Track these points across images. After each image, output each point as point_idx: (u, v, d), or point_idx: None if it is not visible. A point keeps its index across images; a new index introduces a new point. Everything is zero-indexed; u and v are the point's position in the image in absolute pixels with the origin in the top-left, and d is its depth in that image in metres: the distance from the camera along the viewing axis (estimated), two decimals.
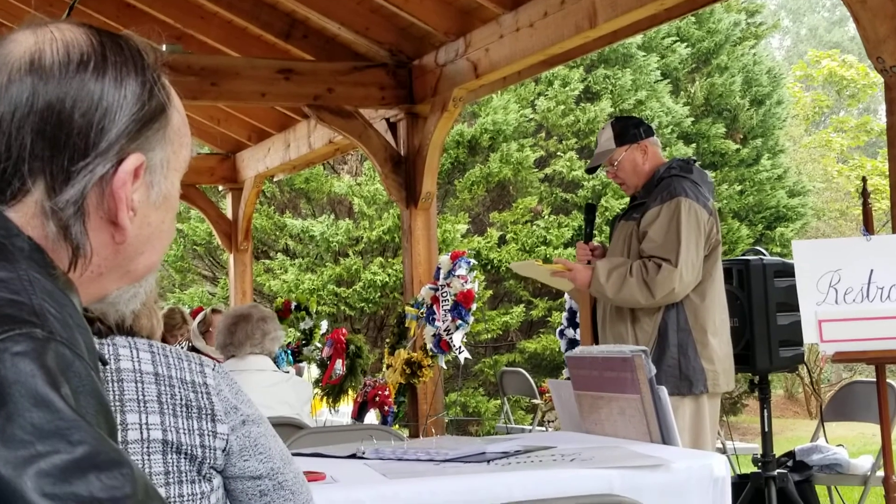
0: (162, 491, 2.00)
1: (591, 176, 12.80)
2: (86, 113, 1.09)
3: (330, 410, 7.64)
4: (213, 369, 2.12)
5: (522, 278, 12.22)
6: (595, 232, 4.70)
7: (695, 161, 4.46)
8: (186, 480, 2.03)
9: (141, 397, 2.03)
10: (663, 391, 3.12)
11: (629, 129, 4.41)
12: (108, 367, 2.04)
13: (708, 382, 4.12)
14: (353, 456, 2.99)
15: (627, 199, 4.58)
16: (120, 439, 2.00)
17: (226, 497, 2.13)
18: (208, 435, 2.05)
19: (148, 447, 2.00)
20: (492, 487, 2.50)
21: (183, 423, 2.03)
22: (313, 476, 2.57)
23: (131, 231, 1.14)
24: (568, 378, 3.69)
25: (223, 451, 2.06)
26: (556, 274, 4.43)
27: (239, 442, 2.08)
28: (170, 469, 2.01)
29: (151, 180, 1.16)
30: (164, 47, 7.09)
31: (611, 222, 4.68)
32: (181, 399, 2.04)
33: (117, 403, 2.01)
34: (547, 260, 11.60)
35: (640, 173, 4.37)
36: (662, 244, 4.12)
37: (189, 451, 2.02)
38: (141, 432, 2.00)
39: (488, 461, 2.78)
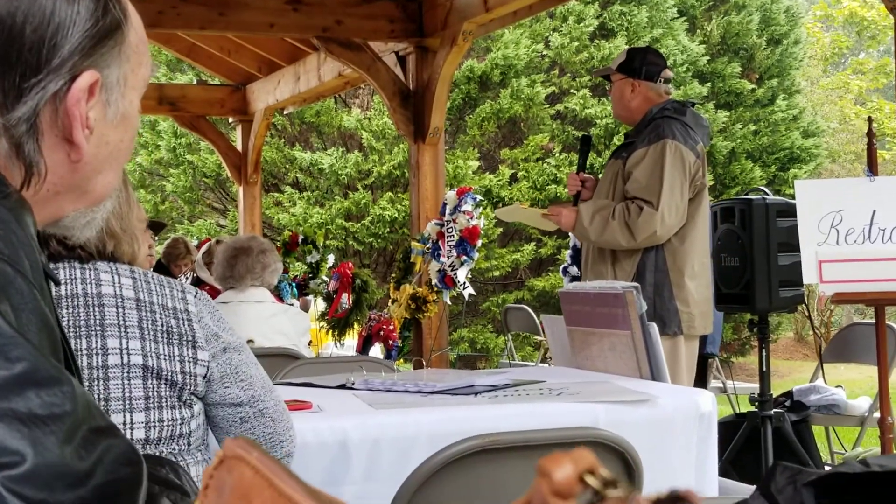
0: (142, 416, 2.01)
1: (603, 114, 12.73)
2: (37, 28, 1.07)
3: (335, 344, 7.68)
4: (195, 296, 2.12)
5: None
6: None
7: (692, 104, 4.45)
8: (167, 406, 2.03)
9: (122, 322, 2.02)
10: (654, 328, 3.12)
11: (634, 62, 4.43)
12: (88, 292, 2.04)
13: (683, 324, 4.13)
14: (343, 386, 2.99)
15: None
16: (100, 363, 2.00)
17: (206, 423, 2.14)
18: (189, 361, 2.05)
19: (128, 372, 2.01)
20: (477, 419, 2.50)
21: (164, 349, 2.03)
22: (300, 405, 2.58)
23: (88, 150, 1.13)
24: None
25: (204, 377, 2.07)
26: (544, 216, 4.48)
27: (220, 369, 2.09)
28: (150, 394, 2.02)
29: (108, 98, 1.14)
30: None
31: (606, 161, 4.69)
32: (162, 325, 2.04)
33: (98, 328, 2.01)
34: (554, 201, 11.56)
35: (624, 106, 4.44)
36: (646, 186, 4.12)
37: (169, 377, 2.03)
38: (121, 357, 2.01)
39: (476, 394, 2.78)
